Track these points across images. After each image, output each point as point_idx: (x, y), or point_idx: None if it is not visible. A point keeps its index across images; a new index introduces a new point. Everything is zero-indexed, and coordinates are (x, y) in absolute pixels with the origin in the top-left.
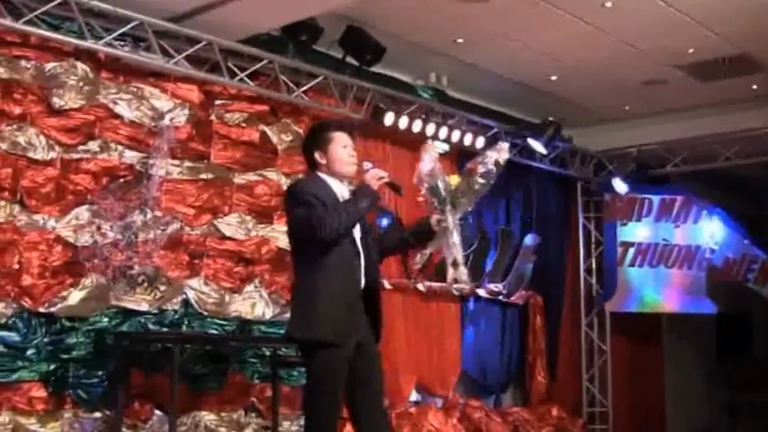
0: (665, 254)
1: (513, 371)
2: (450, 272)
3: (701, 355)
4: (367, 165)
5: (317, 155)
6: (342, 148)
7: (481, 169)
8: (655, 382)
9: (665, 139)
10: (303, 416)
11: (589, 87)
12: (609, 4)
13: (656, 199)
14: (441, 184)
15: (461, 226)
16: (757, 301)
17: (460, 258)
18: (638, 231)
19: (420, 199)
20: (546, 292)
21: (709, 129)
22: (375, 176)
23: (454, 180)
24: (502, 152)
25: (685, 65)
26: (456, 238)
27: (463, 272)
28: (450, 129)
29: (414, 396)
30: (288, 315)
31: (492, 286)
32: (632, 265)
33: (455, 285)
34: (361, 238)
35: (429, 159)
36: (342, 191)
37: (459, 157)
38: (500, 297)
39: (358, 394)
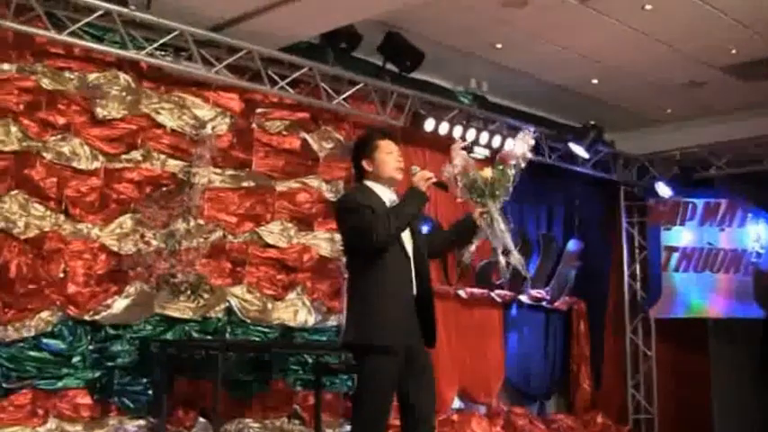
0: (710, 258)
1: (557, 378)
2: (502, 260)
3: (748, 361)
4: (414, 169)
5: (364, 163)
6: (387, 154)
7: (512, 157)
8: (701, 388)
9: (709, 142)
10: (351, 420)
11: (630, 90)
12: (649, 6)
13: (700, 203)
14: (477, 178)
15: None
16: None
17: (511, 245)
18: (682, 236)
19: (458, 198)
20: (589, 298)
21: (753, 130)
22: (423, 178)
23: (487, 172)
24: (527, 137)
25: (727, 65)
26: (503, 225)
27: (517, 257)
28: (491, 134)
29: (456, 403)
30: (330, 322)
31: (534, 292)
32: (677, 269)
33: (510, 268)
34: (413, 245)
35: (459, 158)
36: (390, 197)
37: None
38: (543, 303)
39: (408, 401)
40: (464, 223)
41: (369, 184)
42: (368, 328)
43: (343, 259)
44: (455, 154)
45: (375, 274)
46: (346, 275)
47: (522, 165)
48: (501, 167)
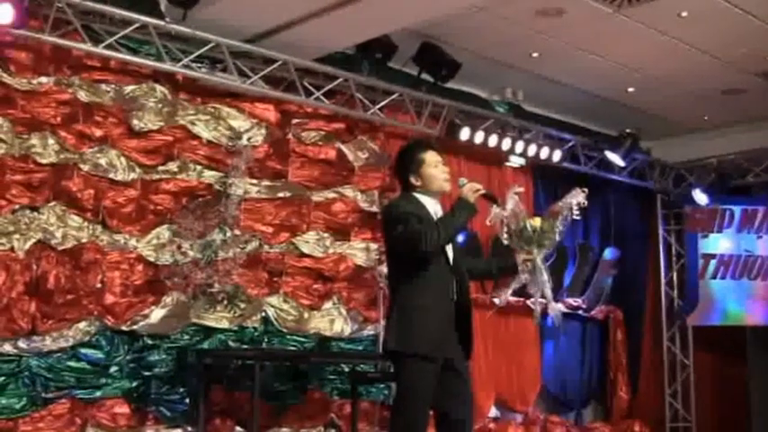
0: (748, 265)
1: (594, 386)
2: (538, 309)
3: None
4: (462, 180)
5: (411, 179)
6: (434, 167)
7: (563, 212)
8: (739, 396)
9: (746, 149)
10: (389, 429)
11: (667, 98)
12: (685, 14)
13: (737, 210)
14: (528, 226)
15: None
16: None
17: (550, 295)
18: (719, 243)
19: (504, 241)
20: (626, 306)
21: None
22: (471, 189)
23: (537, 222)
24: (579, 196)
25: (764, 72)
26: (545, 275)
27: (555, 307)
28: (527, 143)
29: (493, 412)
30: (366, 331)
31: (571, 301)
32: (714, 277)
33: (550, 317)
34: (454, 257)
35: (512, 202)
36: (436, 209)
37: (535, 171)
38: (580, 311)
39: (446, 413)
40: (508, 264)
41: (416, 195)
42: (410, 336)
43: (382, 268)
44: (509, 197)
45: (419, 283)
46: (387, 283)
47: (572, 217)
48: (551, 219)
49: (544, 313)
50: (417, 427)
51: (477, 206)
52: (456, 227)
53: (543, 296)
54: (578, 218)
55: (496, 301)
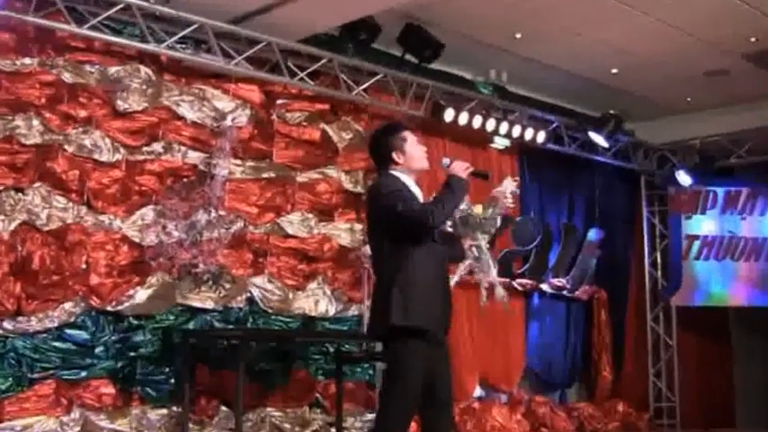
0: (732, 246)
1: (579, 366)
2: (484, 293)
3: None
4: (445, 161)
5: (394, 155)
6: (415, 146)
7: (500, 198)
8: (723, 376)
9: (730, 131)
10: (383, 403)
11: (651, 80)
12: None
13: (720, 191)
14: (472, 213)
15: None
16: None
17: (495, 278)
18: (703, 224)
19: (449, 229)
20: (611, 287)
21: None
22: (462, 167)
23: (479, 209)
24: (512, 185)
25: (748, 54)
26: (490, 260)
27: (501, 293)
28: (511, 124)
29: (478, 392)
30: (351, 312)
31: (556, 281)
32: (698, 258)
33: (494, 298)
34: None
35: None
36: (415, 187)
37: (520, 153)
38: (564, 292)
39: (429, 389)
40: (456, 252)
41: (396, 173)
42: (417, 312)
43: (366, 248)
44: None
45: (417, 261)
46: (374, 262)
47: (508, 204)
48: (491, 206)
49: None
50: (414, 401)
51: (469, 182)
52: (455, 204)
53: (490, 282)
54: (512, 206)
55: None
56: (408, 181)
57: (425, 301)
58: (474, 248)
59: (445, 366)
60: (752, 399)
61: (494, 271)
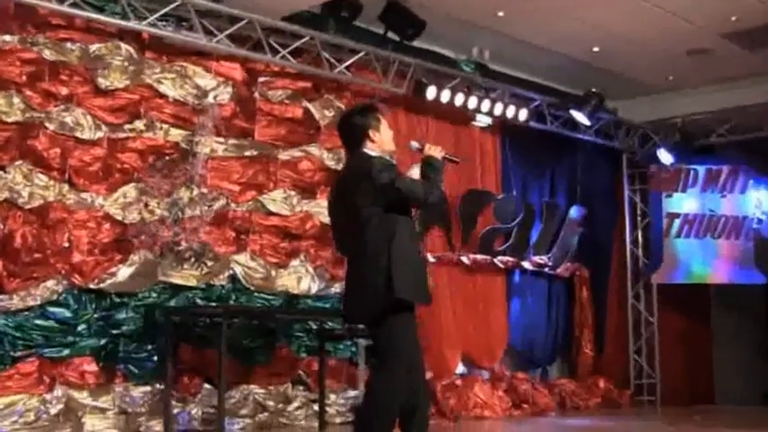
0: (712, 224)
1: (560, 343)
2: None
3: (750, 326)
4: (414, 143)
5: (371, 133)
6: (387, 128)
7: None
8: (703, 353)
9: (710, 109)
10: (385, 371)
11: (632, 58)
12: None
13: (701, 169)
14: None
15: None
16: None
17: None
18: (684, 202)
19: None
20: (592, 265)
21: (754, 97)
22: (436, 150)
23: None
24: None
25: (729, 33)
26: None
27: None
28: (493, 102)
29: (460, 368)
30: (333, 289)
31: (537, 259)
32: (679, 236)
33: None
34: None
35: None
36: None
37: (503, 131)
38: (546, 269)
39: (416, 363)
40: None
41: (369, 152)
42: (415, 286)
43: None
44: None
45: (406, 237)
46: (362, 239)
47: None
48: None
49: (511, 270)
50: (417, 368)
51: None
52: (440, 182)
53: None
54: None
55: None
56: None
57: (422, 276)
58: None
59: (420, 343)
60: (732, 375)
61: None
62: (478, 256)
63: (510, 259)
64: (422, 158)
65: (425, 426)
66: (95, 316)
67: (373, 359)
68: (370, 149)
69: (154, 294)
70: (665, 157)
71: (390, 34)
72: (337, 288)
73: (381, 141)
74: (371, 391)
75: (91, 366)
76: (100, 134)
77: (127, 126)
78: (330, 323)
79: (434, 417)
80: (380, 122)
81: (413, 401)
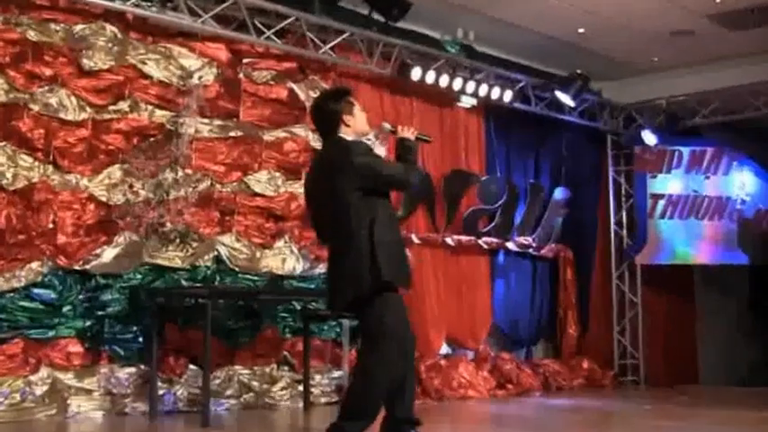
0: (696, 205)
1: (544, 324)
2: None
3: (733, 308)
4: (386, 125)
5: (345, 117)
6: (360, 110)
7: None
8: (687, 334)
9: (695, 91)
10: (380, 350)
11: (617, 39)
12: None
13: (685, 150)
14: None
15: None
16: None
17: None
18: (668, 183)
19: None
20: (577, 246)
21: (738, 79)
22: (409, 131)
23: None
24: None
25: (713, 14)
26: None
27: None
28: (478, 83)
29: (444, 349)
30: (318, 270)
31: (521, 239)
32: (663, 217)
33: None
34: None
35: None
36: None
37: (487, 112)
38: (530, 250)
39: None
40: None
41: (345, 137)
42: (400, 269)
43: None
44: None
45: (386, 220)
46: (343, 224)
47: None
48: None
49: (496, 251)
50: (409, 348)
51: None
52: (416, 164)
53: None
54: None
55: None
56: None
57: (403, 259)
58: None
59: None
60: (715, 356)
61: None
62: (463, 237)
63: (494, 240)
64: (396, 141)
65: (412, 399)
66: (80, 297)
67: (362, 341)
68: (346, 134)
69: (139, 276)
70: (649, 138)
71: (375, 15)
72: (321, 269)
73: (355, 125)
74: (365, 371)
75: (76, 348)
76: (84, 115)
77: (111, 107)
78: (314, 304)
79: (419, 397)
80: (354, 106)
81: (400, 380)
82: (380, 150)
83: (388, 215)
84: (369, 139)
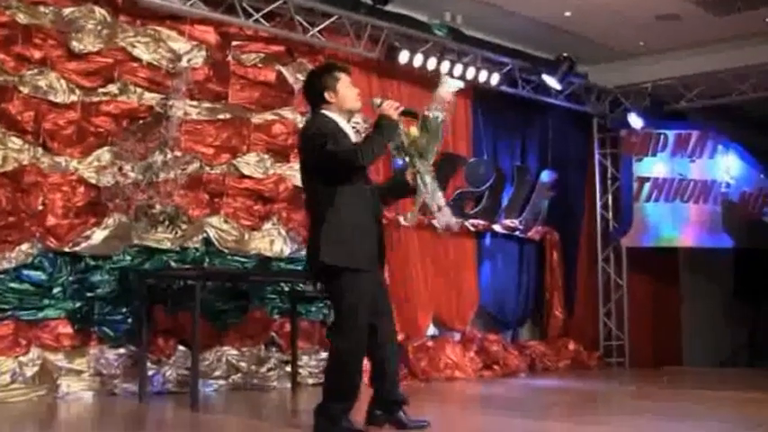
0: (681, 189)
1: (531, 306)
2: (438, 216)
3: (717, 290)
4: (376, 100)
5: (326, 94)
6: (348, 86)
7: (434, 110)
8: (671, 316)
9: (680, 75)
10: (338, 335)
11: (603, 23)
12: None
13: (671, 134)
14: (404, 140)
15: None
16: None
17: (442, 201)
18: (654, 166)
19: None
20: (563, 229)
21: (723, 63)
22: (392, 107)
23: (413, 131)
24: (446, 86)
25: None
26: (433, 183)
27: (448, 213)
28: (465, 66)
29: (431, 330)
30: (306, 251)
31: (508, 222)
32: (648, 200)
33: (443, 224)
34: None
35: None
36: (347, 126)
37: (474, 96)
38: (516, 233)
39: (376, 329)
40: (397, 182)
41: (328, 113)
42: (351, 252)
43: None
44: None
45: (348, 201)
46: (311, 203)
47: (447, 112)
48: (425, 123)
49: (482, 233)
50: (364, 336)
51: (401, 122)
52: (384, 144)
53: (438, 205)
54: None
55: (402, 219)
56: (340, 120)
57: (356, 241)
58: (417, 177)
59: (386, 308)
60: (699, 338)
61: (440, 194)
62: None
63: (481, 222)
64: (378, 117)
65: (395, 379)
66: (70, 279)
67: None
68: (329, 110)
69: (128, 257)
70: (635, 121)
71: None
72: None
73: (341, 100)
74: (331, 352)
75: (66, 329)
76: (74, 98)
77: (101, 90)
78: (302, 285)
79: (406, 378)
80: (338, 81)
81: (380, 354)
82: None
83: (353, 196)
84: (357, 123)
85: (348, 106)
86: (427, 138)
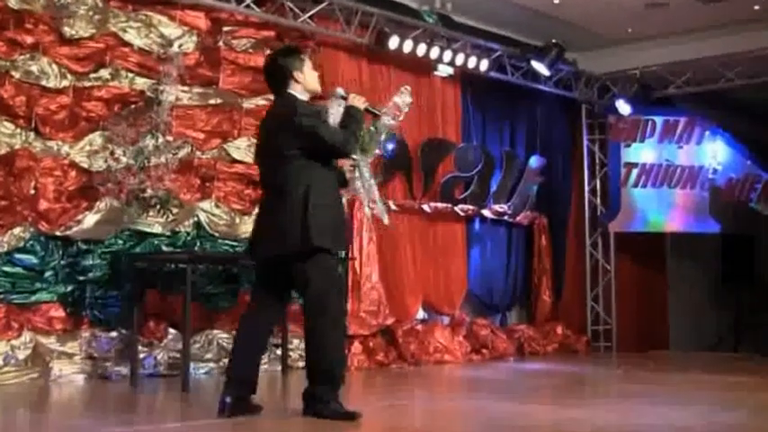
0: (669, 174)
1: (519, 290)
2: (367, 210)
3: (704, 275)
4: (340, 90)
5: (296, 74)
6: (311, 69)
7: (386, 114)
8: (658, 300)
9: (668, 61)
10: (319, 315)
11: (592, 10)
12: None
13: (659, 120)
14: None
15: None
16: (761, 223)
17: (377, 195)
18: (641, 152)
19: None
20: (551, 214)
21: (711, 50)
22: (360, 100)
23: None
24: (404, 96)
25: None
26: (370, 179)
27: (381, 209)
28: (455, 52)
29: (420, 314)
30: None
31: (497, 207)
32: (636, 185)
33: (376, 215)
34: None
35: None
36: None
37: (463, 82)
38: (505, 218)
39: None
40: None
41: (296, 94)
42: (334, 234)
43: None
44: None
45: (326, 185)
46: (283, 178)
47: (400, 118)
48: (375, 123)
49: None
50: (343, 315)
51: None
52: (357, 134)
53: (370, 199)
54: (400, 120)
55: (366, 215)
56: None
57: (340, 224)
58: (353, 168)
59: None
60: (685, 322)
61: (375, 188)
62: (439, 204)
63: (470, 207)
64: (345, 108)
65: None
66: (62, 263)
67: (304, 305)
68: (296, 91)
69: (120, 241)
70: (623, 107)
71: None
72: None
73: (306, 82)
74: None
75: (58, 312)
76: (66, 83)
77: (92, 75)
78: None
79: (396, 361)
80: (304, 63)
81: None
82: (336, 114)
83: (329, 179)
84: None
85: (312, 87)
86: (372, 136)
